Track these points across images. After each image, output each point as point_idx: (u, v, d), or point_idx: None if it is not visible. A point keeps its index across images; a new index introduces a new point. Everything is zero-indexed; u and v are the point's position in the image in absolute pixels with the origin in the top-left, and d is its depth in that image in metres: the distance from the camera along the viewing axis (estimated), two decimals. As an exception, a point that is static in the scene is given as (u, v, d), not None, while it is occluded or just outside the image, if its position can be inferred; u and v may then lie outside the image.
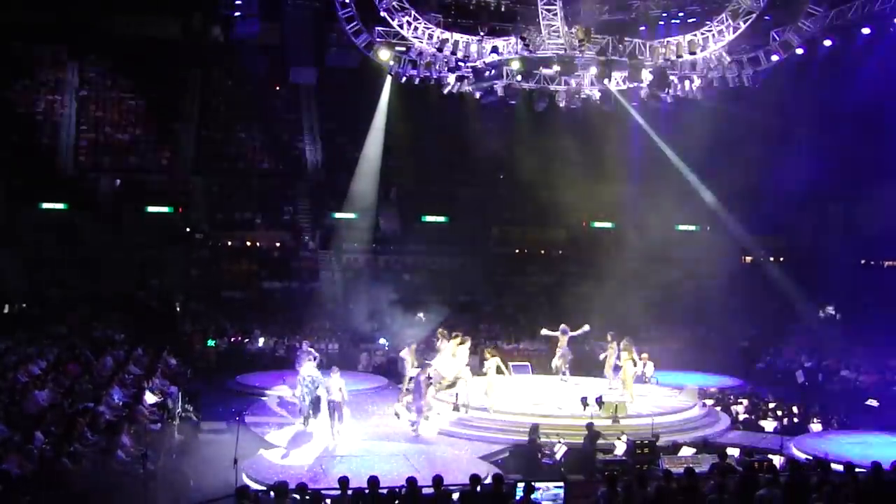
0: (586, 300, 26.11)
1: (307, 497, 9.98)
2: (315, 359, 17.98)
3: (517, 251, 36.67)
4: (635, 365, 19.76)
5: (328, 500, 10.13)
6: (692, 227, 36.49)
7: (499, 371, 18.82)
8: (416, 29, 22.23)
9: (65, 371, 18.13)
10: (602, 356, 21.30)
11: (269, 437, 17.01)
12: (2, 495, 9.51)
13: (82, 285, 28.42)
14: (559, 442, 15.11)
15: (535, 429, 15.28)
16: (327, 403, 15.89)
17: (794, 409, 19.50)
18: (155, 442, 13.90)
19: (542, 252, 36.73)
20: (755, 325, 30.54)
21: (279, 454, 15.45)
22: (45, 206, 31.33)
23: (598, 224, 36.99)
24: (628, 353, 19.57)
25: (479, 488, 10.58)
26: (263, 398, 21.93)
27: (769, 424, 18.70)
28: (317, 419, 16.13)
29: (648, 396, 19.87)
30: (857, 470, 11.41)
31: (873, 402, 21.97)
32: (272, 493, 9.83)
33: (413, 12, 22.09)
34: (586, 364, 23.46)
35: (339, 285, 33.04)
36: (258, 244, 35.61)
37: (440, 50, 21.88)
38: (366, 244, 34.55)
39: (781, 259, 35.37)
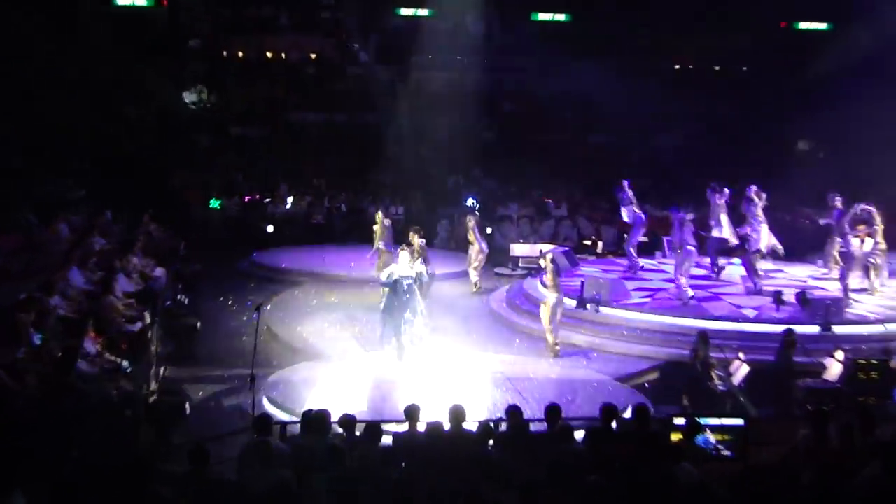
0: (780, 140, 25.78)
1: (357, 434, 10.07)
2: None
3: (676, 66, 36.27)
4: (862, 243, 19.46)
5: (391, 438, 10.23)
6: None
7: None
8: None
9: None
10: (826, 223, 21.19)
11: (301, 343, 17.63)
12: None
13: (21, 116, 28.90)
14: (738, 358, 14.94)
15: (703, 338, 15.08)
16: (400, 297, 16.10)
17: None
18: (134, 349, 14.28)
19: (718, 68, 36.19)
20: None
21: (316, 371, 15.77)
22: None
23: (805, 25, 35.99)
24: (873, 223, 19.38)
25: (614, 424, 10.55)
26: (295, 286, 22.82)
27: None
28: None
29: (878, 293, 19.80)
30: None
31: None
32: (312, 425, 9.92)
33: None
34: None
35: (406, 119, 32.91)
36: (283, 56, 35.75)
37: None
38: (449, 55, 34.01)
39: None
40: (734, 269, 21.16)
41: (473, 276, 22.64)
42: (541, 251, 22.39)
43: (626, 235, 22.98)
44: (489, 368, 15.95)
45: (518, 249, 25.91)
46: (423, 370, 15.54)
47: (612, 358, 17.30)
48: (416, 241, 18.65)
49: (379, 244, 21.59)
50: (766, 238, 20.35)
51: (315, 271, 24.30)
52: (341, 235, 29.74)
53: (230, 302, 20.88)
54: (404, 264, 15.96)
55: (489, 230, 27.75)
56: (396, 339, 15.95)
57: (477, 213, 24.55)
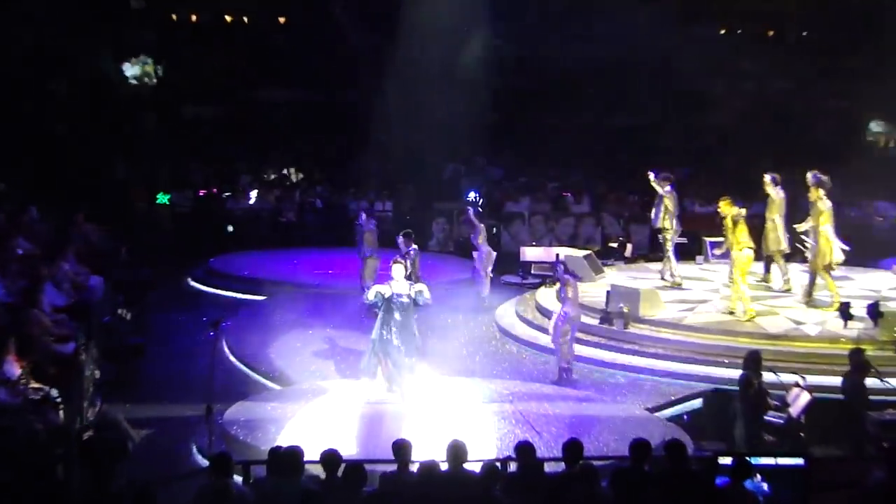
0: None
1: (337, 473, 10.00)
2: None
3: (722, 31, 36.54)
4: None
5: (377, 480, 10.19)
6: None
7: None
8: None
9: None
10: None
11: (268, 367, 17.67)
12: None
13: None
14: (797, 384, 14.89)
15: (755, 360, 14.99)
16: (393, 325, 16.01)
17: None
18: (65, 375, 14.23)
19: (771, 33, 36.34)
20: None
21: (286, 401, 15.74)
22: None
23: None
24: None
25: (646, 464, 10.51)
26: (260, 298, 22.94)
27: None
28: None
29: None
30: None
31: None
32: (281, 465, 9.88)
33: None
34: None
35: (395, 97, 32.81)
36: (246, 20, 36.02)
37: None
38: (447, 19, 33.79)
39: None
40: (794, 277, 21.13)
41: (486, 285, 22.70)
42: (557, 256, 22.43)
43: (659, 236, 23.01)
44: (495, 397, 15.92)
45: (530, 253, 25.94)
46: (416, 399, 15.50)
47: (643, 384, 17.28)
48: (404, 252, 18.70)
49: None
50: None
51: (284, 280, 24.31)
52: (316, 236, 29.70)
53: (181, 317, 20.84)
54: (398, 280, 15.84)
55: (494, 230, 27.74)
56: (383, 370, 15.78)
57: (479, 209, 24.55)
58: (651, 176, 21.71)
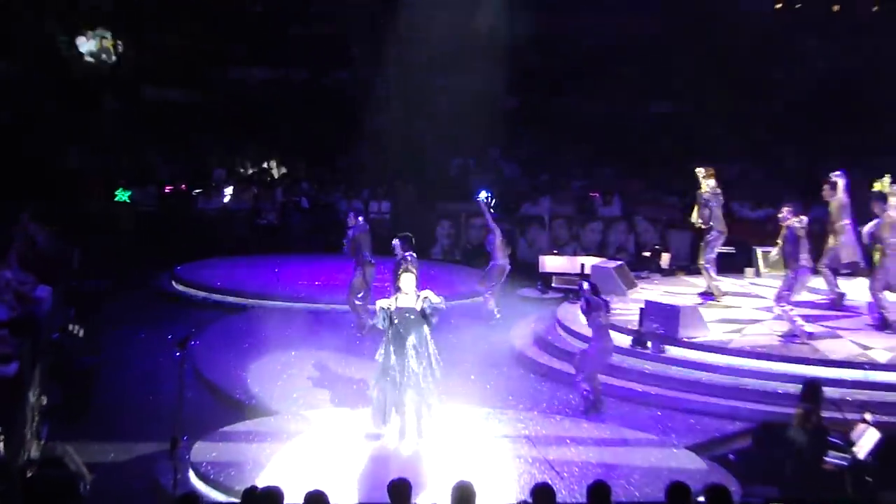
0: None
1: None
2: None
3: (777, 4, 36.94)
4: None
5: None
6: None
7: None
8: None
9: None
10: None
11: (244, 393, 17.70)
12: None
13: None
14: (863, 420, 14.87)
15: (813, 391, 14.99)
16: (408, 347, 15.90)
17: None
18: (7, 401, 14.22)
19: (836, 7, 36.70)
20: None
21: (264, 434, 15.76)
22: None
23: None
24: None
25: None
26: (235, 313, 23.05)
27: None
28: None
29: None
30: None
31: None
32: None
33: None
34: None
35: (394, 78, 32.92)
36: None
37: None
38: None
39: None
40: (859, 295, 21.14)
41: (490, 301, 22.69)
42: (582, 268, 22.43)
43: (703, 244, 23.00)
44: (509, 431, 15.88)
45: (551, 263, 25.96)
46: (429, 440, 15.45)
47: (682, 417, 17.22)
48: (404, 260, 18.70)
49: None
50: None
51: (264, 292, 24.41)
52: (301, 241, 29.72)
53: (143, 335, 20.86)
54: (407, 292, 15.38)
55: (508, 237, 27.68)
56: (398, 412, 15.58)
57: (491, 210, 24.47)
58: (700, 173, 21.75)
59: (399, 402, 15.18)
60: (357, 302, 21.43)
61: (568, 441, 15.53)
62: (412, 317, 15.13)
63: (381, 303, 15.30)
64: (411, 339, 15.08)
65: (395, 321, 15.10)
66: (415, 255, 19.00)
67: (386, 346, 15.26)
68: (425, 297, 15.20)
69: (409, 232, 19.71)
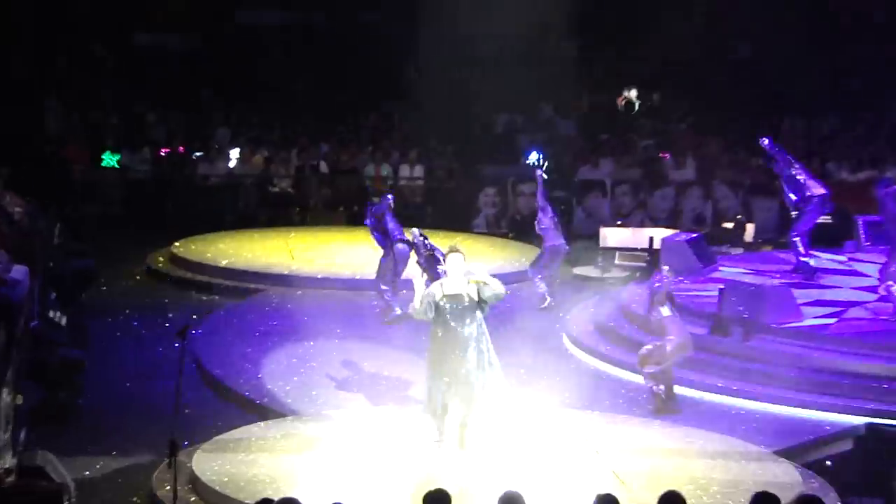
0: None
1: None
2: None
3: None
4: None
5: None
6: None
7: None
8: None
9: None
10: None
11: (255, 391, 17.68)
12: None
13: None
14: None
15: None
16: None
17: None
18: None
19: None
20: None
21: (279, 437, 15.77)
22: None
23: None
24: None
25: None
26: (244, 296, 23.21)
27: None
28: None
29: None
30: None
31: None
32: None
33: None
34: None
35: (428, 19, 32.83)
36: None
37: None
38: None
39: None
40: None
41: (541, 284, 22.61)
42: (651, 242, 22.33)
43: (793, 215, 22.88)
44: (566, 435, 15.87)
45: (613, 236, 25.87)
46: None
47: (769, 418, 17.15)
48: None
49: None
50: None
51: (276, 271, 24.50)
52: (320, 210, 29.72)
53: (135, 323, 20.92)
54: (455, 276, 15.04)
55: (563, 207, 27.64)
56: (444, 416, 15.45)
57: (544, 175, 24.35)
58: (765, 143, 21.69)
59: (448, 405, 14.99)
60: (383, 286, 21.43)
61: (634, 445, 15.51)
62: (464, 305, 14.79)
63: (427, 291, 14.92)
64: (466, 331, 14.75)
65: (446, 312, 14.76)
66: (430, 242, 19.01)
67: (435, 342, 14.98)
68: (482, 284, 14.84)
69: (447, 201, 19.67)
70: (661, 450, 15.52)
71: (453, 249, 15.14)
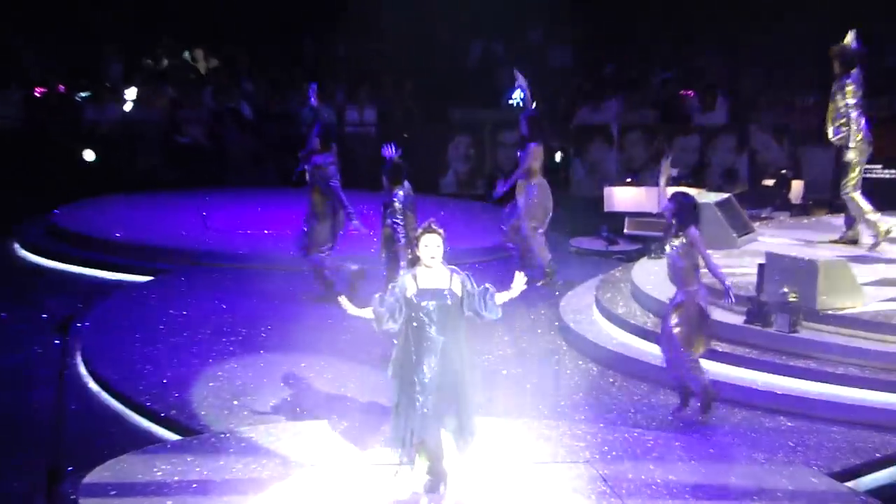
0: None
1: None
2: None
3: None
4: None
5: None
6: None
7: None
8: None
9: None
10: None
11: (157, 401, 17.63)
12: None
13: None
14: None
15: None
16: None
17: None
18: None
19: None
20: None
21: (189, 461, 15.78)
22: None
23: None
24: None
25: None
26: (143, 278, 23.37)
27: None
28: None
29: None
30: None
31: None
32: None
33: None
34: None
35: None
36: None
37: None
38: None
39: None
40: None
41: (543, 250, 22.72)
42: (668, 200, 22.43)
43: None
44: (564, 450, 15.94)
45: (620, 197, 25.94)
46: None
47: (822, 429, 17.20)
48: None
49: None
50: None
51: (185, 247, 24.72)
52: (241, 169, 29.83)
53: (3, 314, 20.94)
54: (432, 265, 14.30)
55: (557, 157, 27.80)
56: (419, 441, 15.37)
57: (534, 119, 24.35)
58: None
59: (421, 429, 14.47)
60: (321, 255, 21.42)
61: (651, 467, 15.43)
62: (445, 304, 14.18)
63: (398, 281, 14.36)
64: (442, 340, 14.16)
65: (418, 311, 14.15)
66: (409, 187, 18.94)
67: (403, 349, 14.47)
68: (485, 291, 14.18)
69: (406, 153, 19.54)
70: (682, 470, 15.39)
71: (429, 229, 14.23)
